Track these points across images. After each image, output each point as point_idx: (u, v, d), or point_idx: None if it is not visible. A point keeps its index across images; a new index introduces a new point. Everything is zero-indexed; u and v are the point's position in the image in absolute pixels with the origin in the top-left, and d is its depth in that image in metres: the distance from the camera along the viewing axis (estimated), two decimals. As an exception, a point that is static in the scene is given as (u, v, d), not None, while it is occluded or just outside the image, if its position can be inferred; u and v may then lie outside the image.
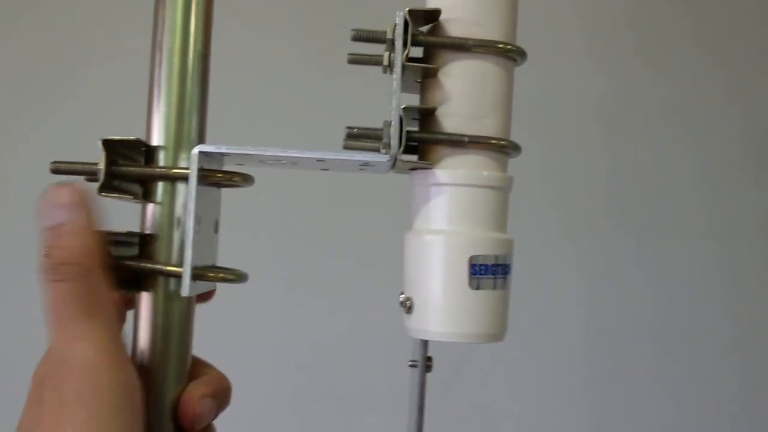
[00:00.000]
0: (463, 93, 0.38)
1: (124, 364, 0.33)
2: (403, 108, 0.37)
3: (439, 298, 0.38)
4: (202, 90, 0.40)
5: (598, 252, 1.07)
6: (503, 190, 0.39)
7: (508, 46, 0.39)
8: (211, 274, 0.37)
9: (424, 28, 0.39)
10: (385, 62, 0.41)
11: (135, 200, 0.38)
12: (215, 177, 0.38)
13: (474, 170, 0.38)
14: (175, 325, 0.38)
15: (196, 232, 0.36)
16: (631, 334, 1.07)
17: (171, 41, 0.39)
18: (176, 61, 0.38)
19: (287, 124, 1.01)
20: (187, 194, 0.36)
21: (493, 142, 0.39)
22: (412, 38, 0.37)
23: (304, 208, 1.03)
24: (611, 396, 1.07)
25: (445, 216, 0.38)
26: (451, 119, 0.38)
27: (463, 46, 0.38)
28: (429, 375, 0.41)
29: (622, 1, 1.10)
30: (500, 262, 0.38)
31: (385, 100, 0.36)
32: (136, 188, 0.38)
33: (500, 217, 0.39)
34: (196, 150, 0.36)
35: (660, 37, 1.10)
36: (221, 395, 0.39)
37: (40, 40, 1.02)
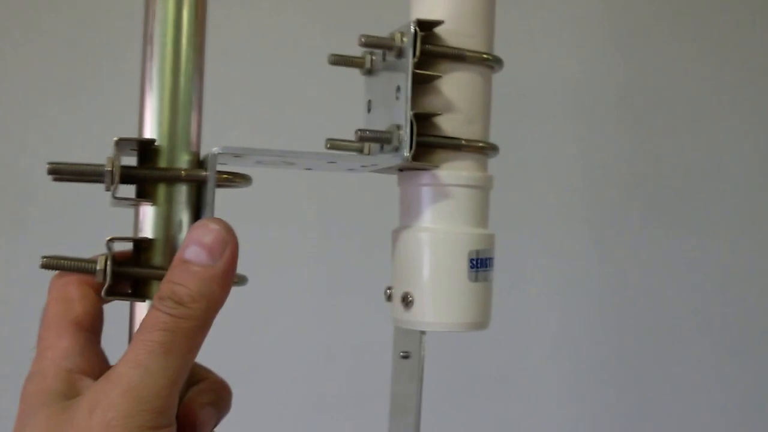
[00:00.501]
0: (460, 99, 0.42)
1: (168, 408, 0.32)
2: (414, 114, 0.39)
3: (440, 292, 0.41)
4: (197, 86, 0.39)
5: (616, 249, 1.05)
6: (487, 189, 0.43)
7: (493, 57, 0.42)
8: None
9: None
10: (367, 65, 0.43)
11: (133, 204, 0.37)
12: (221, 178, 0.38)
13: (468, 171, 0.42)
14: None
15: None
16: (647, 332, 1.06)
17: (162, 35, 0.37)
18: (169, 55, 0.37)
19: (286, 121, 0.97)
20: (187, 196, 0.36)
21: (481, 144, 0.42)
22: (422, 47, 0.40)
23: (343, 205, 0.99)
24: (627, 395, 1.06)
25: (441, 214, 0.41)
26: (450, 124, 0.41)
27: (461, 57, 0.41)
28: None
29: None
30: (489, 255, 0.42)
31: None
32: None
33: (486, 214, 0.43)
34: (215, 150, 0.36)
35: (684, 23, 1.07)
36: (222, 402, 0.39)
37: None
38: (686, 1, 1.07)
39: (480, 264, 0.41)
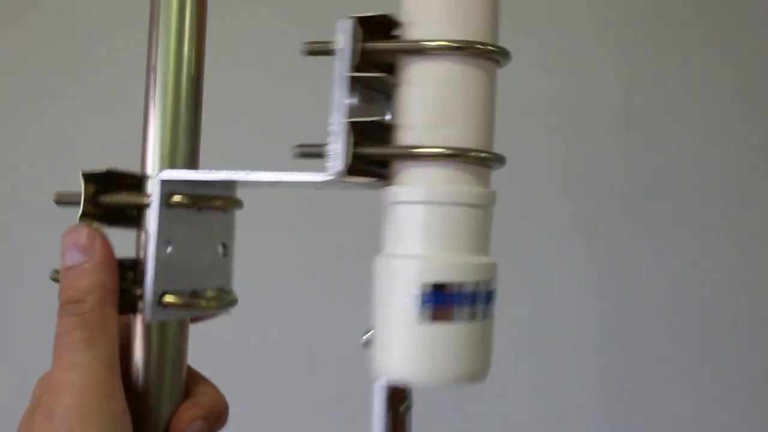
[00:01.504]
0: (420, 102, 0.35)
1: (114, 391, 0.34)
2: (350, 122, 0.35)
3: (384, 332, 0.35)
4: (196, 111, 0.41)
5: (611, 253, 1.06)
6: (465, 206, 0.35)
7: (473, 46, 0.35)
8: (180, 301, 0.38)
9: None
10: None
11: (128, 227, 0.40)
12: (204, 202, 0.39)
13: (433, 185, 0.35)
14: (167, 347, 0.39)
15: (161, 257, 0.37)
16: (644, 335, 1.06)
17: (165, 64, 0.40)
18: (170, 84, 0.40)
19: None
20: (153, 219, 0.38)
21: (443, 151, 0.35)
22: (361, 48, 0.35)
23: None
24: (624, 397, 1.05)
25: (396, 238, 0.36)
26: (407, 131, 0.36)
27: (418, 50, 0.35)
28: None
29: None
30: (463, 289, 0.35)
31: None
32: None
33: (466, 238, 0.35)
34: (158, 177, 0.37)
35: (676, 36, 1.07)
36: (214, 416, 0.39)
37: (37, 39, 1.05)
38: (677, 11, 1.07)
39: (440, 299, 0.34)
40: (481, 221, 0.36)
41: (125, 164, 0.41)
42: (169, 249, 0.38)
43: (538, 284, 1.04)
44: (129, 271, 0.39)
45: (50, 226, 0.94)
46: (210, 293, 0.41)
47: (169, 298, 0.38)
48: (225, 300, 0.41)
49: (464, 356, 0.35)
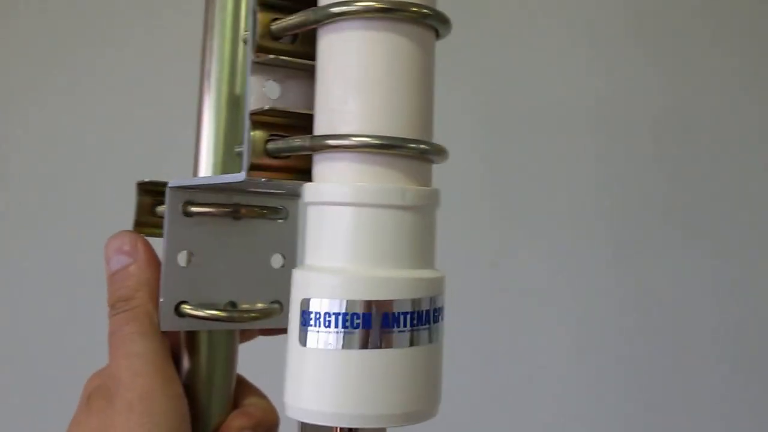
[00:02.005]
0: (338, 82, 0.29)
1: (172, 376, 0.35)
2: (250, 115, 0.30)
3: (299, 362, 0.29)
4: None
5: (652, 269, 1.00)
6: (398, 208, 0.29)
7: (405, 9, 0.28)
8: (202, 312, 0.36)
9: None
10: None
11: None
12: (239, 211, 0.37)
13: (355, 183, 0.29)
14: (216, 356, 0.38)
15: (174, 267, 0.36)
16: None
17: (219, 71, 0.38)
18: (224, 90, 0.38)
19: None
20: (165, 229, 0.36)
21: (377, 144, 0.28)
22: (265, 30, 0.30)
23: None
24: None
25: (316, 247, 0.30)
26: (319, 118, 0.30)
27: (331, 16, 0.29)
28: None
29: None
30: (399, 310, 0.28)
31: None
32: None
33: (401, 247, 0.29)
34: (170, 184, 0.36)
35: (671, 40, 1.03)
36: (264, 428, 0.38)
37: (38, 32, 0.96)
38: (722, 17, 1.03)
39: (370, 322, 0.28)
40: (420, 226, 0.29)
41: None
42: (190, 259, 0.36)
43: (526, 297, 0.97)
44: None
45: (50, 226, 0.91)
46: (247, 305, 0.39)
47: (186, 308, 0.36)
48: (267, 312, 0.37)
49: (405, 388, 0.28)
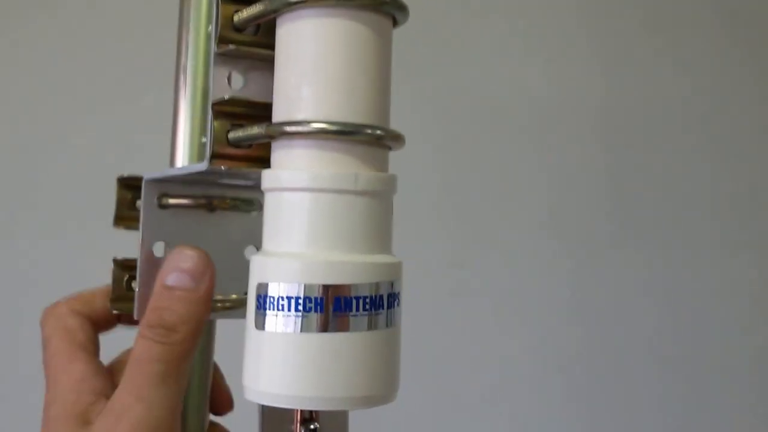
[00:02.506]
0: (294, 68, 0.30)
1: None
2: (212, 105, 0.31)
3: (257, 345, 0.29)
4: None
5: (596, 261, 1.00)
6: (354, 193, 0.29)
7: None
8: None
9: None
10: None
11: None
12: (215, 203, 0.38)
13: (310, 169, 0.29)
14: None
15: (150, 258, 0.36)
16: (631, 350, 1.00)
17: (194, 66, 0.37)
18: (199, 84, 0.37)
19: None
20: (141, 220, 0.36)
21: (333, 130, 0.29)
22: (227, 21, 0.31)
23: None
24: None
25: (274, 233, 0.30)
26: (276, 106, 0.30)
27: (288, 4, 0.29)
28: None
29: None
30: (356, 294, 0.28)
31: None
32: None
33: (357, 232, 0.29)
34: (146, 177, 0.36)
35: (674, 34, 1.04)
36: None
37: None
38: (665, 14, 1.04)
39: (326, 306, 0.28)
40: (376, 212, 0.30)
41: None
42: (166, 250, 0.36)
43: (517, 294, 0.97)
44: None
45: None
46: (221, 296, 0.39)
47: None
48: (240, 302, 0.37)
49: (363, 372, 0.28)
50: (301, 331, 0.28)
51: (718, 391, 1.01)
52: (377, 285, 0.29)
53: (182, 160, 0.37)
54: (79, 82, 0.88)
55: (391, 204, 0.30)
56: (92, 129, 0.88)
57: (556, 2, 1.01)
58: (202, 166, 0.31)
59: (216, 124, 0.31)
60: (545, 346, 0.98)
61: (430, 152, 0.95)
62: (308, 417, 0.32)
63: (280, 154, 0.30)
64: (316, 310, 0.28)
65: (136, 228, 0.38)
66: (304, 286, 0.28)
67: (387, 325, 0.29)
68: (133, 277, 0.37)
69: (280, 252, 0.29)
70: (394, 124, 0.31)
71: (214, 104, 0.31)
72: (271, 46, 0.31)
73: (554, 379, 0.98)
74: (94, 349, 0.37)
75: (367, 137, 0.29)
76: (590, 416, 0.99)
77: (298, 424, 0.32)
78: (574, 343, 0.99)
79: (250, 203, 0.39)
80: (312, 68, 0.29)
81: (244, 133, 0.30)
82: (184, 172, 0.33)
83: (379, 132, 0.29)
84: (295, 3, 0.29)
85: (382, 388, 0.29)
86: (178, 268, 0.32)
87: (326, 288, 0.28)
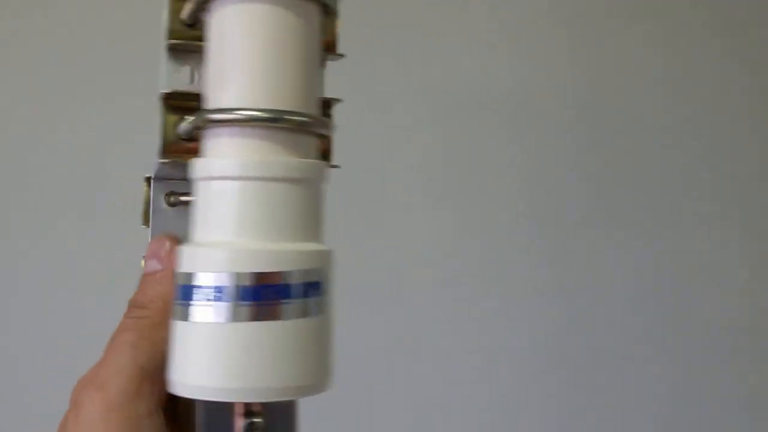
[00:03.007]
0: (219, 56, 0.30)
1: (140, 392, 0.34)
2: (162, 97, 0.32)
3: (182, 336, 0.30)
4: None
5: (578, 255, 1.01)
6: (279, 180, 0.29)
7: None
8: None
9: None
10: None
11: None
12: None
13: (236, 156, 0.29)
14: None
15: None
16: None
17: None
18: None
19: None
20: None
21: (256, 117, 0.29)
22: (175, 16, 0.32)
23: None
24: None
25: (202, 222, 0.30)
26: (210, 94, 0.30)
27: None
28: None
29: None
30: (282, 282, 0.28)
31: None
32: None
33: (282, 219, 0.29)
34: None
35: (637, 24, 1.04)
36: None
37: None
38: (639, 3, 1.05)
39: (255, 294, 0.28)
40: (304, 199, 0.29)
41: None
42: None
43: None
44: None
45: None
46: None
47: None
48: None
49: (295, 361, 0.28)
50: (231, 320, 0.28)
51: (699, 367, 1.02)
52: (306, 272, 0.28)
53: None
54: (77, 80, 0.89)
55: (320, 192, 0.29)
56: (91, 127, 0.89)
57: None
58: (156, 160, 0.32)
59: (167, 117, 0.32)
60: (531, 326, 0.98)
61: (414, 143, 0.95)
62: (252, 410, 0.32)
63: (209, 142, 0.30)
64: (245, 299, 0.28)
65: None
66: (234, 274, 0.28)
67: (317, 314, 0.29)
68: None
69: (209, 241, 0.29)
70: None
71: (165, 98, 0.32)
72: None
73: (539, 357, 0.99)
74: None
75: (292, 124, 0.29)
76: (571, 392, 1.00)
77: (238, 418, 0.32)
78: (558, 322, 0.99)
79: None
80: (237, 55, 0.29)
81: (187, 124, 0.31)
82: (156, 168, 0.34)
83: (304, 119, 0.29)
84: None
85: (315, 377, 0.29)
86: (151, 255, 0.35)
87: (255, 276, 0.28)
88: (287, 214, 0.29)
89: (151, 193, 0.36)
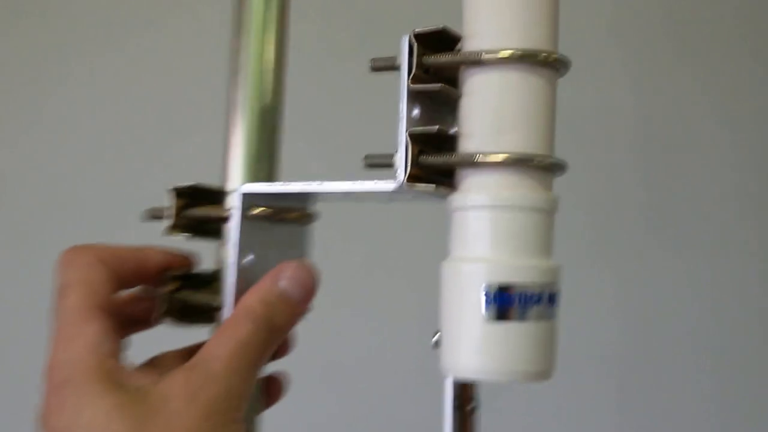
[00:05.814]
0: (479, 110, 0.36)
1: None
2: (409, 134, 0.36)
3: (453, 331, 0.36)
4: (278, 125, 0.43)
5: (636, 272, 1.06)
6: (527, 210, 0.36)
7: (534, 56, 0.35)
8: None
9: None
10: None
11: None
12: (281, 214, 0.41)
13: (494, 190, 0.36)
14: None
15: (241, 269, 0.39)
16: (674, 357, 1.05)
17: (256, 82, 0.42)
18: (255, 96, 0.42)
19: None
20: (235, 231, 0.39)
21: (507, 158, 0.35)
22: (420, 62, 0.37)
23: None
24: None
25: (463, 242, 0.37)
26: (468, 139, 0.37)
27: (477, 61, 0.36)
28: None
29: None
30: (527, 290, 0.35)
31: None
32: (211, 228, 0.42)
33: (531, 240, 0.36)
34: (239, 190, 0.40)
35: (701, 45, 1.08)
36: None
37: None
38: (698, 31, 1.09)
39: (505, 300, 0.35)
40: (545, 225, 0.37)
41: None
42: (248, 260, 0.39)
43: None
44: (208, 283, 0.41)
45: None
46: None
47: None
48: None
49: (529, 354, 0.35)
50: (523, 320, 0.36)
51: (680, 359, 1.06)
52: (543, 285, 0.36)
53: (237, 174, 0.41)
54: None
55: (554, 219, 0.38)
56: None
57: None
58: (391, 185, 0.36)
59: (413, 148, 0.36)
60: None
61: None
62: (471, 396, 0.39)
63: (476, 179, 0.36)
64: (501, 303, 0.35)
65: (191, 235, 0.41)
66: (497, 285, 0.35)
67: (548, 318, 0.37)
68: (188, 205, 0.41)
69: (477, 257, 0.36)
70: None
71: (411, 132, 0.36)
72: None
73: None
74: (111, 308, 0.36)
75: (539, 165, 0.36)
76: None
77: (467, 401, 0.38)
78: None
79: (312, 217, 0.43)
80: (507, 113, 0.36)
81: (442, 159, 0.36)
82: (363, 189, 0.38)
83: (548, 161, 0.36)
84: (490, 60, 0.35)
85: (549, 365, 0.37)
86: (298, 278, 0.38)
87: (508, 287, 0.35)
88: (547, 238, 0.37)
89: (240, 205, 0.39)
